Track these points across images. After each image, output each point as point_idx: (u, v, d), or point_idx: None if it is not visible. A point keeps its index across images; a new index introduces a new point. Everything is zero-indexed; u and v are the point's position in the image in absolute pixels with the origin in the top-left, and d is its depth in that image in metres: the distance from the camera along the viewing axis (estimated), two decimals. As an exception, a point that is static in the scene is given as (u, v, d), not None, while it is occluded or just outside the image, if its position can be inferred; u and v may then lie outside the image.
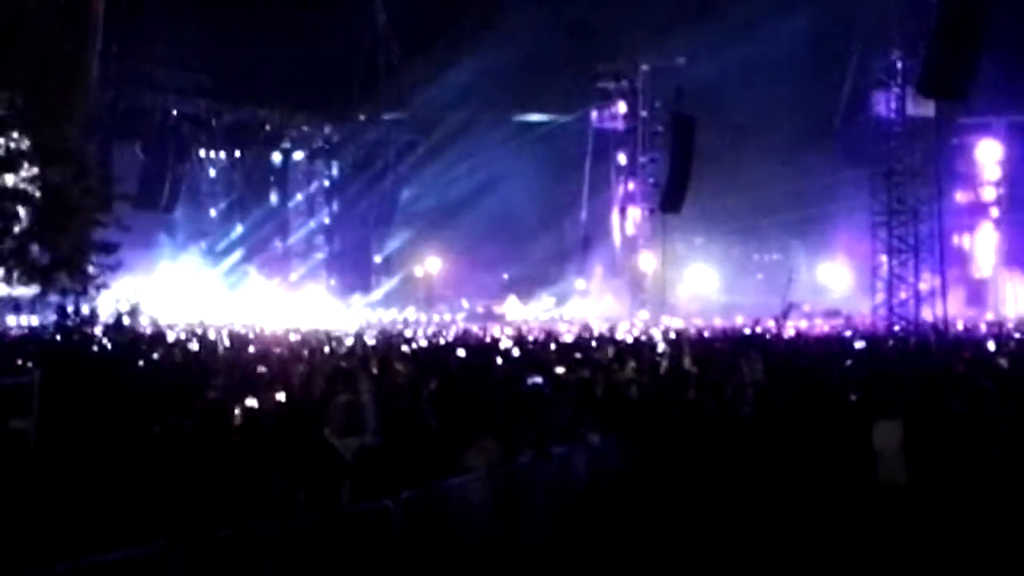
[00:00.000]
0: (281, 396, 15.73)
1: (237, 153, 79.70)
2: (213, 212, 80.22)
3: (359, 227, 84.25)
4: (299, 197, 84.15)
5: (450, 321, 63.31)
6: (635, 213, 71.64)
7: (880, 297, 49.20)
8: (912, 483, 11.94)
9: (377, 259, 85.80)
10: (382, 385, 16.23)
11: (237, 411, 14.52)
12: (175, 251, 76.00)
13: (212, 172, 79.70)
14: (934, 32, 30.41)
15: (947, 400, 13.98)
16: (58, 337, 19.79)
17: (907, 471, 11.96)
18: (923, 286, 47.85)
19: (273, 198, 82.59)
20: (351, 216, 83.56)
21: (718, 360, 20.51)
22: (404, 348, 29.77)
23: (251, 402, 15.22)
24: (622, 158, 72.76)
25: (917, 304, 47.52)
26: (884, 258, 49.07)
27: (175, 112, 70.86)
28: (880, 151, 48.95)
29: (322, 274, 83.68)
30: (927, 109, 47.23)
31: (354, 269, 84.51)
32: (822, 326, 49.84)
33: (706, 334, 38.70)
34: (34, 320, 25.15)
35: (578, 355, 23.76)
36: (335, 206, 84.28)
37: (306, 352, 27.16)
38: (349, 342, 33.10)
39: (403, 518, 10.06)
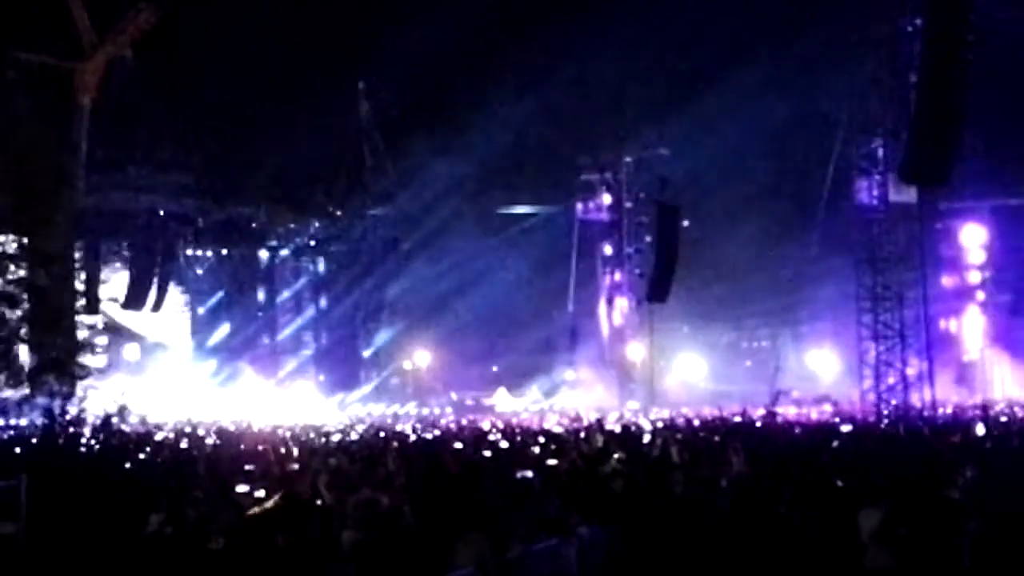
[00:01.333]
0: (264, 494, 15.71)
1: (224, 251, 79.83)
2: (201, 310, 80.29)
3: (347, 322, 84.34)
4: (286, 294, 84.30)
5: (439, 414, 63.13)
6: (622, 303, 71.92)
7: (868, 383, 49.21)
8: (899, 571, 11.94)
9: (366, 353, 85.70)
10: (371, 480, 16.24)
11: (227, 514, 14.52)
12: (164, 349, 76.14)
13: (199, 270, 79.79)
14: (914, 119, 30.70)
15: (934, 487, 14.00)
16: (46, 440, 19.76)
17: (893, 558, 11.96)
18: (910, 371, 47.88)
19: (261, 295, 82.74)
20: (338, 311, 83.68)
21: (705, 450, 20.52)
22: (393, 443, 29.72)
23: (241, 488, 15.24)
24: (608, 249, 73.15)
25: (905, 389, 47.53)
26: (871, 344, 49.15)
27: (161, 212, 71.02)
28: (864, 237, 49.19)
29: (311, 370, 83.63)
30: (910, 195, 47.49)
31: (342, 364, 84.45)
32: (810, 413, 49.73)
33: (695, 423, 38.63)
34: (22, 422, 25.11)
35: (565, 445, 23.75)
36: (322, 302, 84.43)
37: (296, 449, 27.09)
38: (336, 437, 33.06)
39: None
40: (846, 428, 30.50)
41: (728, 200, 67.79)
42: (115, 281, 63.56)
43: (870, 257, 48.58)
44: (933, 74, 28.76)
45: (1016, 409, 45.55)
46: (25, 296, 26.16)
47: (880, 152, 48.86)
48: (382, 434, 35.66)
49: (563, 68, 70.59)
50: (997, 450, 20.80)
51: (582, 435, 29.59)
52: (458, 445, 27.26)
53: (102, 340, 27.27)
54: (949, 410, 46.88)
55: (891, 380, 48.22)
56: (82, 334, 26.55)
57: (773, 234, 69.30)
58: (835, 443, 23.53)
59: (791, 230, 69.38)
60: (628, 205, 70.92)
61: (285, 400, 74.65)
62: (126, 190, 69.69)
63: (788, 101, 62.30)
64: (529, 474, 16.74)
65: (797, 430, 32.03)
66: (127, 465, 19.35)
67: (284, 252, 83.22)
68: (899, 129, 43.06)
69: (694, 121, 65.33)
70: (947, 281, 71.59)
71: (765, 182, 67.86)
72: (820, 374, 72.90)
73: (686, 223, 57.69)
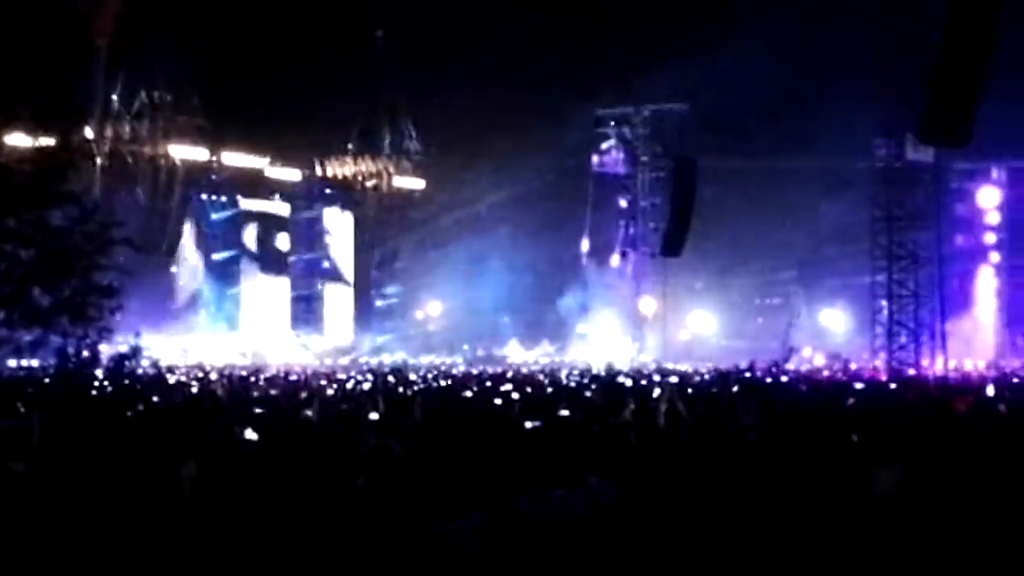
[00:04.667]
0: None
1: (238, 198, 79.74)
2: (216, 256, 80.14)
3: (362, 274, 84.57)
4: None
5: (451, 364, 63.26)
6: (636, 257, 71.71)
7: (880, 341, 49.21)
8: (911, 529, 11.94)
9: (379, 304, 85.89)
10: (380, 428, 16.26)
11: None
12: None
13: (214, 215, 79.64)
14: (933, 78, 30.45)
15: (946, 446, 13.99)
16: (58, 380, 19.82)
17: (906, 517, 11.96)
18: (922, 331, 47.87)
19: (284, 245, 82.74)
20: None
21: (716, 404, 20.52)
22: (401, 390, 29.80)
23: (250, 435, 15.29)
24: (623, 202, 72.90)
25: (917, 348, 47.53)
26: (884, 303, 49.12)
27: (177, 158, 71.14)
28: (880, 196, 49.07)
29: (322, 319, 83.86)
30: (927, 155, 47.34)
31: (356, 313, 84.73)
32: (823, 370, 49.75)
33: (706, 377, 38.66)
34: (34, 363, 25.18)
35: (577, 398, 23.78)
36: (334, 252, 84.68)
37: (305, 393, 27.17)
38: (349, 385, 33.15)
39: (405, 561, 10.07)
40: (859, 386, 30.48)
41: (745, 157, 67.50)
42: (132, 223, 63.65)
43: (886, 216, 48.50)
44: (956, 33, 28.52)
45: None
46: (39, 236, 26.09)
47: (899, 111, 48.70)
48: (392, 381, 35.78)
49: (580, 20, 70.42)
50: (1009, 413, 20.75)
51: (593, 387, 29.68)
52: (468, 394, 27.35)
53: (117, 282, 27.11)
54: (958, 370, 46.86)
55: (903, 339, 48.23)
56: (98, 276, 26.45)
57: (790, 191, 69.06)
58: (850, 400, 23.57)
59: (809, 188, 69.11)
60: (644, 159, 70.74)
61: (296, 347, 74.93)
62: (142, 134, 69.76)
63: (808, 58, 61.90)
64: (539, 423, 16.75)
65: (805, 387, 31.96)
66: (139, 407, 19.42)
67: (297, 203, 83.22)
68: (920, 88, 42.83)
69: (714, 76, 65.00)
70: (962, 242, 71.39)
71: (784, 140, 67.52)
72: (832, 331, 72.86)
73: (702, 180, 57.47)
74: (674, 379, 34.50)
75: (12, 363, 25.13)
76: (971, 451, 13.85)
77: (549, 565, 11.03)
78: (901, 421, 17.50)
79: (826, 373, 46.94)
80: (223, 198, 79.11)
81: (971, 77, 29.50)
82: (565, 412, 19.43)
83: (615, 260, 74.28)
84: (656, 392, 25.78)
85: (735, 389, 25.37)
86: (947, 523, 11.44)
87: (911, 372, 45.29)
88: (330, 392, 29.40)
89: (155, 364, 36.18)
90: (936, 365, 46.53)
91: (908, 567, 11.01)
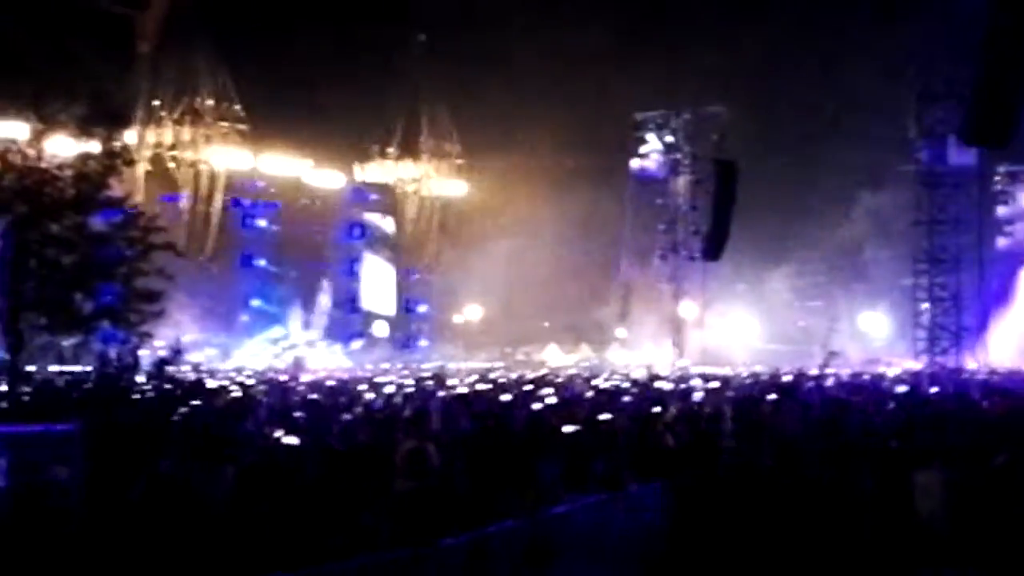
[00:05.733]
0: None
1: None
2: (262, 262, 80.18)
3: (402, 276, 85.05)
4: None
5: (490, 368, 63.27)
6: (676, 260, 71.47)
7: (921, 345, 49.01)
8: (953, 533, 11.89)
9: (421, 309, 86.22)
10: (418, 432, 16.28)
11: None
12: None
13: (261, 221, 79.71)
14: (977, 81, 30.32)
15: (989, 450, 13.90)
16: (100, 385, 19.90)
17: (948, 521, 11.91)
18: (965, 334, 47.65)
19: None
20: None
21: (757, 410, 20.47)
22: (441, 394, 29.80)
23: (291, 440, 15.35)
24: (662, 206, 72.70)
25: (959, 352, 47.32)
26: (926, 305, 48.92)
27: (218, 165, 71.55)
28: (922, 199, 48.91)
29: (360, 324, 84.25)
30: (970, 158, 47.15)
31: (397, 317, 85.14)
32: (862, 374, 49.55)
33: (747, 382, 38.54)
34: (76, 368, 25.31)
35: (617, 402, 23.76)
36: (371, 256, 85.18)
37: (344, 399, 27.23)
38: (389, 389, 33.18)
39: (442, 564, 10.10)
40: (901, 389, 30.35)
41: (787, 159, 67.36)
42: (174, 230, 63.91)
43: (928, 219, 48.33)
44: (997, 34, 28.39)
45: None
46: (81, 242, 26.24)
47: (941, 114, 48.54)
48: (430, 385, 35.81)
49: (619, 21, 70.40)
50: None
51: (634, 391, 29.66)
52: (506, 398, 27.37)
53: (159, 287, 27.24)
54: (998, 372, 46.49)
55: (945, 343, 48.02)
56: (139, 281, 26.58)
57: (830, 194, 68.88)
58: (891, 405, 23.47)
59: (850, 189, 68.92)
60: (685, 162, 70.60)
61: (335, 354, 75.17)
62: (184, 139, 70.22)
63: (852, 62, 61.65)
64: (579, 428, 16.74)
65: (848, 392, 31.79)
66: (182, 411, 19.50)
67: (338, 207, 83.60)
68: (963, 92, 42.73)
69: (754, 80, 64.99)
70: (1004, 244, 70.98)
71: (825, 143, 67.32)
72: (873, 335, 72.54)
73: (742, 182, 57.27)
74: (715, 384, 34.46)
75: (55, 368, 25.23)
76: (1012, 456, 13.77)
77: (585, 572, 11.06)
78: (944, 425, 17.41)
79: (866, 377, 46.73)
80: (264, 203, 79.35)
81: (1014, 79, 29.35)
82: (605, 416, 19.42)
83: (655, 264, 74.03)
84: (697, 396, 25.77)
85: (775, 395, 25.25)
86: (990, 532, 11.39)
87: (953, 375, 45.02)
88: (369, 396, 29.45)
89: (196, 368, 36.28)
90: (979, 368, 46.27)
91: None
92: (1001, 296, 68.10)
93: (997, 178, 68.46)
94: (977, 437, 15.50)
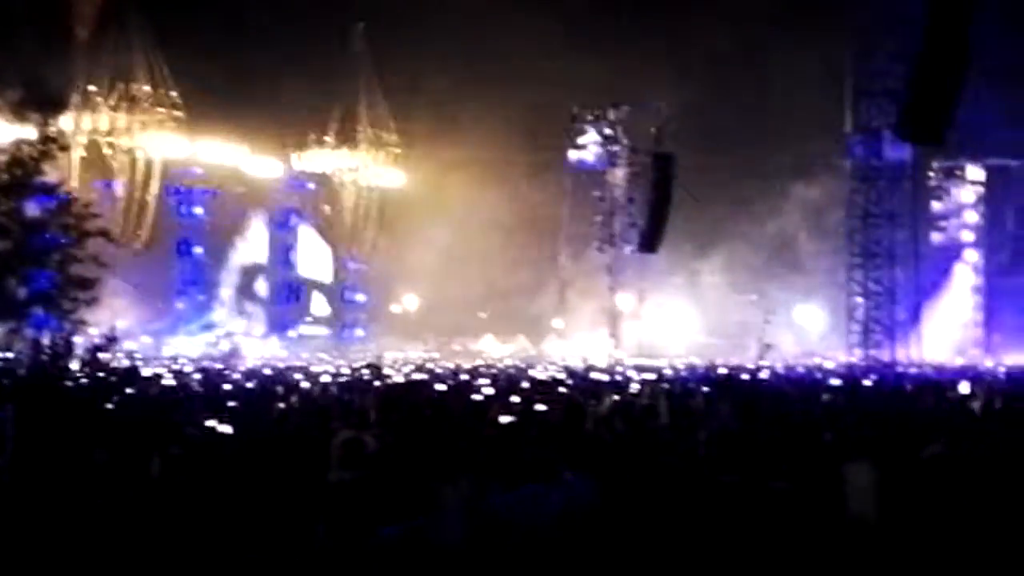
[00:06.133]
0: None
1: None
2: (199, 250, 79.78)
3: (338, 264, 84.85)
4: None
5: (426, 359, 63.25)
6: (613, 252, 71.62)
7: (856, 338, 49.36)
8: (882, 524, 11.98)
9: (359, 297, 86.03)
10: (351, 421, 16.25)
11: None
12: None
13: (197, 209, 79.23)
14: (912, 75, 30.56)
15: (919, 442, 14.02)
16: (33, 372, 19.74)
17: (877, 512, 12.00)
18: (898, 329, 48.03)
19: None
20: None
21: (692, 402, 20.56)
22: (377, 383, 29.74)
23: (224, 429, 15.28)
24: (600, 197, 72.79)
25: (892, 346, 47.69)
26: (860, 300, 49.27)
27: (155, 154, 71.12)
28: (857, 194, 49.23)
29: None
30: (904, 153, 47.51)
31: (333, 307, 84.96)
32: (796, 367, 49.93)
33: (683, 374, 38.71)
34: (8, 355, 25.11)
35: (553, 392, 23.78)
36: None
37: (281, 389, 27.13)
38: (325, 379, 33.10)
39: (378, 557, 10.07)
40: (835, 382, 30.56)
41: (722, 153, 67.67)
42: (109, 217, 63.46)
43: (862, 214, 48.66)
44: (934, 32, 28.63)
45: (1001, 369, 45.58)
46: (16, 227, 26.03)
47: (876, 109, 48.85)
48: (366, 374, 35.74)
49: (561, 14, 70.56)
50: (983, 410, 20.82)
51: (569, 382, 29.72)
52: (442, 388, 27.35)
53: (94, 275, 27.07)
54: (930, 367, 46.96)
55: (878, 336, 48.39)
56: (74, 268, 26.41)
57: (765, 187, 69.35)
58: (825, 397, 23.66)
59: (785, 184, 69.43)
60: (623, 154, 70.73)
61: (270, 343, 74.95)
62: (119, 125, 69.72)
63: (788, 52, 62.02)
64: (514, 418, 16.75)
65: (784, 385, 32.01)
66: (115, 399, 19.37)
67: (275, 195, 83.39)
68: (898, 87, 43.04)
69: (692, 72, 65.24)
70: (938, 239, 71.69)
71: (759, 135, 67.75)
72: (808, 328, 73.07)
73: (679, 176, 57.48)
74: (651, 376, 34.58)
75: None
76: (945, 448, 13.89)
77: (522, 562, 11.05)
78: (876, 417, 17.54)
79: (800, 370, 47.08)
80: (201, 190, 78.95)
81: (949, 76, 29.60)
82: (541, 407, 19.44)
83: (592, 255, 74.14)
84: (634, 388, 25.85)
85: (709, 388, 25.39)
86: (922, 527, 11.45)
87: (885, 369, 45.39)
88: (305, 386, 29.36)
89: (131, 356, 36.09)
90: (912, 362, 46.68)
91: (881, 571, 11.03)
92: (934, 291, 68.81)
93: (932, 173, 69.17)
94: (909, 430, 15.64)
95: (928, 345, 52.08)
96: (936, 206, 71.15)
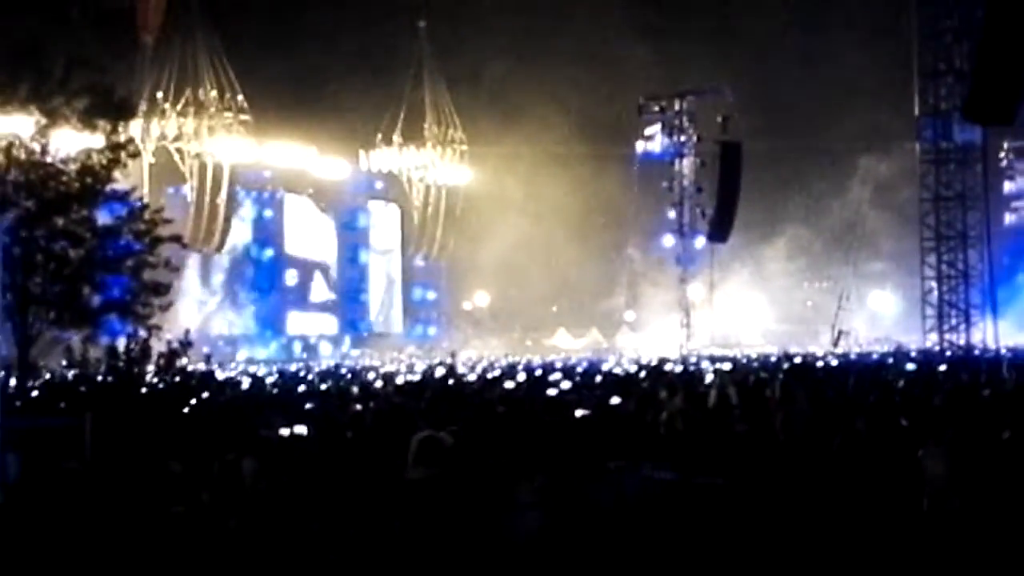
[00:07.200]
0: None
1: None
2: (268, 253, 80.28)
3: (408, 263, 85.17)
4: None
5: (499, 355, 63.31)
6: (683, 242, 71.36)
7: (930, 323, 48.88)
8: (963, 511, 11.87)
9: (430, 296, 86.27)
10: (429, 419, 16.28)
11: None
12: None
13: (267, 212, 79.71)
14: (980, 56, 30.23)
15: (997, 427, 13.87)
16: (109, 378, 19.93)
17: (958, 498, 11.89)
18: (974, 311, 47.51)
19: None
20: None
21: (765, 391, 20.41)
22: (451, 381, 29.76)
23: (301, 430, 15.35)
24: (668, 188, 72.54)
25: (968, 329, 47.18)
26: (934, 284, 48.79)
27: (223, 160, 71.62)
28: (928, 177, 48.76)
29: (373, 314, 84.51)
30: (974, 134, 46.94)
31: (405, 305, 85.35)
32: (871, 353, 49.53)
33: (755, 364, 38.49)
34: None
35: (627, 386, 23.71)
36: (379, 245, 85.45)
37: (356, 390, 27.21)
38: (399, 380, 33.17)
39: (456, 549, 10.09)
40: (911, 367, 30.28)
41: (793, 141, 67.37)
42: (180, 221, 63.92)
43: (934, 196, 48.19)
44: (1000, 10, 28.29)
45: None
46: (88, 235, 26.30)
47: (945, 90, 48.35)
48: (440, 372, 35.79)
49: (624, 5, 70.43)
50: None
51: (642, 375, 29.62)
52: (515, 384, 27.31)
53: (167, 279, 27.36)
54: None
55: (953, 320, 47.90)
56: (147, 274, 26.66)
57: (838, 174, 68.96)
58: (900, 383, 23.44)
59: (856, 169, 68.99)
60: (690, 144, 70.42)
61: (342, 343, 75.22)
62: (187, 131, 70.28)
63: (856, 40, 61.64)
64: (588, 412, 16.72)
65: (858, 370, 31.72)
66: (192, 403, 19.52)
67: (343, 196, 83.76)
68: (964, 67, 42.63)
69: (759, 64, 64.92)
70: (1011, 220, 70.96)
71: (831, 124, 67.35)
72: (882, 314, 72.53)
73: (748, 164, 57.19)
74: (725, 366, 34.42)
75: (63, 362, 25.30)
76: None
77: (604, 544, 11.03)
78: (953, 402, 17.36)
79: (875, 355, 46.70)
80: (269, 193, 79.47)
81: (1017, 55, 29.25)
82: (615, 400, 19.40)
83: (662, 246, 73.84)
84: (707, 379, 25.73)
85: (783, 375, 25.21)
86: (1000, 508, 11.34)
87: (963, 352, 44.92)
88: (379, 385, 29.42)
89: (206, 359, 36.38)
90: (988, 345, 46.14)
91: (960, 558, 10.93)
92: (1009, 273, 68.05)
93: (1002, 154, 68.44)
94: (987, 413, 15.47)
95: (1004, 328, 51.47)
96: (1008, 187, 70.40)
